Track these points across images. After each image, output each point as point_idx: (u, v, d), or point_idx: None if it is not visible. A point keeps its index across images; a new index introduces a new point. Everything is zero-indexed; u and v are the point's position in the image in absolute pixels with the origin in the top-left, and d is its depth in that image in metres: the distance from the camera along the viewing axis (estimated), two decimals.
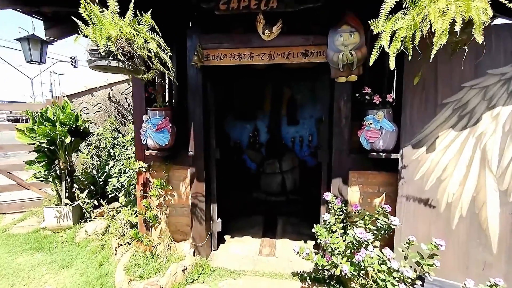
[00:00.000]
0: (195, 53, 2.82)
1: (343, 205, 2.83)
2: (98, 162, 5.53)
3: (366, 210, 2.75)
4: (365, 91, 2.68)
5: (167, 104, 2.98)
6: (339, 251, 2.40)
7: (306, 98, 6.53)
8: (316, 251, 3.51)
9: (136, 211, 3.35)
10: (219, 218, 3.47)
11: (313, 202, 5.48)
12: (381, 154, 2.62)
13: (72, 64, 18.64)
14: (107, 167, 5.13)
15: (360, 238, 2.20)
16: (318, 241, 2.63)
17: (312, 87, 6.48)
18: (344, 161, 2.90)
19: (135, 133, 3.06)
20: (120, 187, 4.74)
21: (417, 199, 2.55)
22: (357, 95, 2.78)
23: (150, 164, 3.15)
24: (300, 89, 6.53)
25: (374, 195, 2.95)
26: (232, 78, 6.11)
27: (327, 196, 2.77)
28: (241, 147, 6.62)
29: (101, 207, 4.89)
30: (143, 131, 2.83)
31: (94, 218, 4.60)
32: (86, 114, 5.76)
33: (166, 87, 3.37)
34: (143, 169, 3.07)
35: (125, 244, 3.22)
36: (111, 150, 5.52)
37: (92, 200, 4.69)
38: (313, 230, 2.65)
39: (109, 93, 5.44)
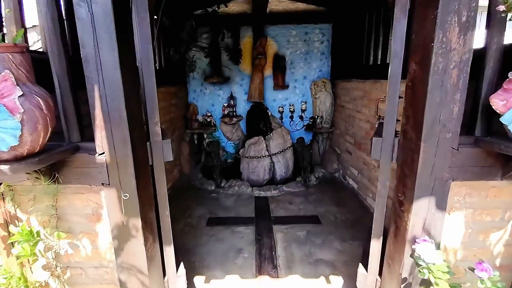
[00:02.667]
0: None
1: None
2: None
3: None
4: None
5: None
6: None
7: (297, 54, 4.76)
8: None
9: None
10: (180, 268, 1.81)
11: (318, 197, 3.60)
12: None
13: None
14: None
15: None
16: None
17: (306, 37, 4.70)
18: (445, 161, 1.30)
19: None
20: None
21: None
22: None
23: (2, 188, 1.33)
24: (290, 41, 4.73)
25: (490, 228, 1.44)
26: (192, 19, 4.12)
27: (423, 247, 1.20)
28: (212, 121, 4.83)
29: None
30: None
31: None
32: None
33: None
34: None
35: None
36: None
37: None
38: None
39: None
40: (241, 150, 4.51)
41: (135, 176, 1.34)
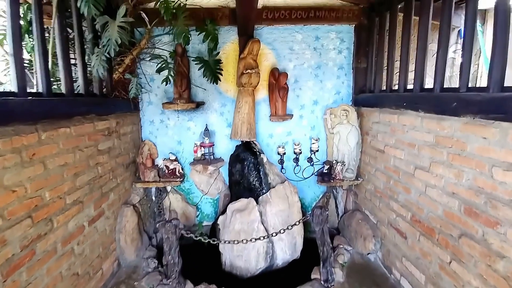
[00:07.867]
0: None
1: None
2: None
3: None
4: None
5: None
6: None
7: (304, 68, 3.07)
8: None
9: None
10: None
11: None
12: None
13: None
14: None
15: None
16: None
17: (316, 44, 3.03)
18: None
19: None
20: None
21: None
22: None
23: None
24: (294, 50, 3.04)
25: None
26: None
27: None
28: (178, 169, 3.02)
29: None
30: None
31: None
32: None
33: None
34: None
35: None
36: None
37: None
38: None
39: None
40: (220, 219, 2.71)
41: None
